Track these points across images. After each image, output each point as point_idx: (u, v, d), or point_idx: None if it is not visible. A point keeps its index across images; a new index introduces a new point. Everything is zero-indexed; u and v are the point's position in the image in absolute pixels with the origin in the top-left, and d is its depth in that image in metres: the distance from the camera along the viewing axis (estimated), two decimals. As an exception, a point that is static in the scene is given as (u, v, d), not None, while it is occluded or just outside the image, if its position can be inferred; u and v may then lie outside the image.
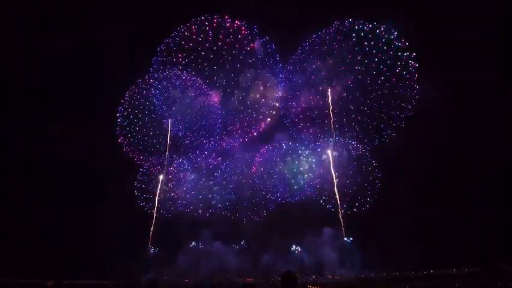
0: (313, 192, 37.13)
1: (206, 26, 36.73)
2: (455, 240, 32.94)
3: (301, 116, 37.94)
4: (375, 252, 32.65)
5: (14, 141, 38.89)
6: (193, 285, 33.73)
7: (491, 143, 33.47)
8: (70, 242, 36.40)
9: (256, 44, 37.03)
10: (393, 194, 35.33)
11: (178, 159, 39.65)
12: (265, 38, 37.43)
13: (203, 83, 37.17)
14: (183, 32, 36.78)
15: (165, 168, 38.87)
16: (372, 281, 33.80)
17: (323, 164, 37.35)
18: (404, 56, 33.76)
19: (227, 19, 36.83)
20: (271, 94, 38.37)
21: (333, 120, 36.65)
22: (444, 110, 32.90)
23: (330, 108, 36.68)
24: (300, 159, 37.80)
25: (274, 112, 38.76)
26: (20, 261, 33.80)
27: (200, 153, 39.68)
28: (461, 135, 34.49)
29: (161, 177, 38.63)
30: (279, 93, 38.48)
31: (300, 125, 38.13)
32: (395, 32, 34.07)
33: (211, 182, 38.78)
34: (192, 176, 39.22)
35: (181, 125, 38.20)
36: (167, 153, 38.58)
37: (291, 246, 38.66)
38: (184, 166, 39.65)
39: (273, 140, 39.26)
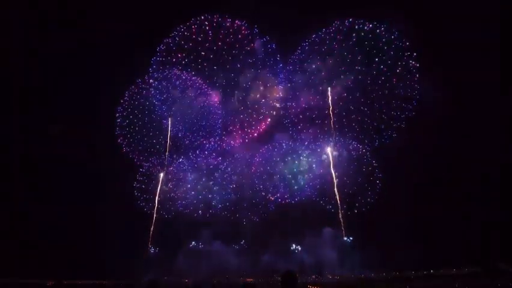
0: (313, 193, 37.16)
1: (206, 25, 36.73)
2: (455, 240, 32.93)
3: (301, 116, 37.96)
4: (375, 252, 32.66)
5: (14, 141, 38.90)
6: (193, 285, 33.70)
7: (491, 143, 33.47)
8: (70, 242, 36.40)
9: (257, 44, 37.07)
10: (393, 194, 35.33)
11: (178, 159, 39.66)
12: (266, 38, 37.49)
13: (203, 83, 37.18)
14: (183, 32, 36.79)
15: (165, 168, 38.90)
16: (372, 281, 33.81)
17: (322, 164, 37.36)
18: (405, 56, 33.77)
19: (227, 19, 36.84)
20: (271, 94, 38.39)
21: (333, 120, 36.67)
22: (444, 110, 32.89)
23: (330, 109, 36.69)
24: (300, 159, 37.79)
25: (274, 112, 38.78)
26: (20, 261, 33.79)
27: (200, 153, 39.68)
28: (461, 135, 34.49)
29: (161, 177, 38.65)
30: (280, 93, 38.48)
31: (300, 125, 38.16)
32: (395, 32, 34.09)
33: (211, 182, 38.76)
34: (192, 176, 39.20)
35: (181, 125, 38.22)
36: (167, 154, 38.62)
37: (291, 246, 38.67)
38: (184, 166, 39.65)
39: (273, 140, 39.29)
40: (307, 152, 38.12)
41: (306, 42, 36.98)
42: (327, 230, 36.94)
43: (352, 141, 36.78)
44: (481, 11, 33.08)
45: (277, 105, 38.62)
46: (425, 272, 33.25)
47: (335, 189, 36.04)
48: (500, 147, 32.92)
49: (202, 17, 36.78)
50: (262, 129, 39.48)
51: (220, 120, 38.48)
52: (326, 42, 35.79)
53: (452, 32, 34.48)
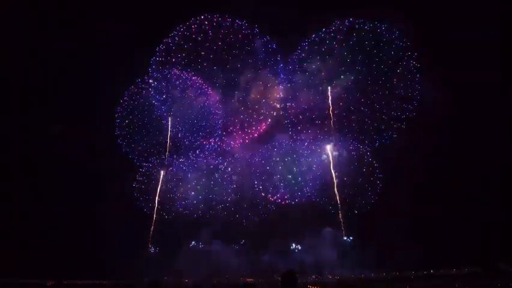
0: (313, 193, 37.13)
1: (206, 25, 36.72)
2: (455, 240, 32.93)
3: (301, 116, 37.93)
4: (375, 252, 32.66)
5: (14, 141, 38.91)
6: (193, 285, 33.72)
7: (491, 143, 33.47)
8: (70, 242, 36.40)
9: (257, 44, 37.06)
10: (393, 194, 35.33)
11: (178, 159, 39.65)
12: (266, 38, 37.47)
13: (203, 83, 37.16)
14: (183, 32, 36.77)
15: (165, 168, 38.89)
16: (372, 281, 33.81)
17: (322, 164, 37.34)
18: (405, 56, 33.75)
19: (227, 19, 36.82)
20: (271, 94, 38.38)
21: (333, 120, 36.66)
22: (444, 110, 32.89)
23: (330, 109, 36.67)
24: (300, 160, 37.78)
25: (274, 113, 38.75)
26: (20, 261, 33.79)
27: (200, 153, 39.67)
28: (461, 135, 34.49)
29: (161, 177, 38.65)
30: (280, 93, 38.47)
31: (300, 125, 38.12)
32: (396, 31, 34.08)
33: (211, 182, 38.77)
34: (192, 176, 39.20)
35: (180, 126, 38.20)
36: (167, 154, 38.61)
37: (291, 246, 38.68)
38: (184, 166, 39.65)
39: (273, 140, 39.27)
40: (307, 152, 38.11)
41: (306, 42, 36.97)
42: (327, 230, 36.95)
43: (352, 142, 36.78)
44: (481, 11, 33.09)
45: (278, 105, 38.62)
46: (425, 272, 33.24)
47: (335, 189, 36.07)
48: (500, 147, 32.92)
49: (202, 17, 36.77)
50: (262, 129, 39.49)
51: (220, 121, 38.46)
52: (326, 42, 35.77)
53: (452, 32, 34.49)
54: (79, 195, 37.98)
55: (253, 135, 39.43)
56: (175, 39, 36.77)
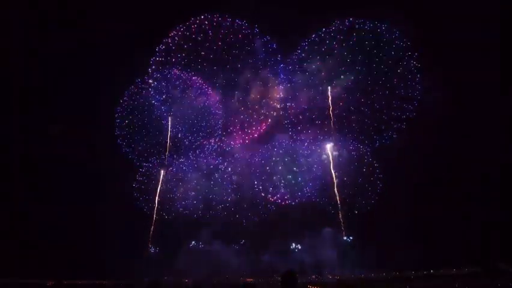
0: (313, 193, 37.13)
1: (206, 25, 36.71)
2: (455, 240, 32.94)
3: (301, 116, 37.92)
4: (375, 252, 32.66)
5: (14, 141, 38.90)
6: (193, 285, 33.74)
7: (491, 143, 33.48)
8: (70, 242, 36.40)
9: (257, 44, 37.04)
10: (393, 194, 35.34)
11: (178, 159, 39.65)
12: (266, 38, 37.45)
13: (203, 83, 37.15)
14: (183, 32, 36.75)
15: (165, 168, 38.88)
16: (372, 281, 33.82)
17: (322, 164, 37.33)
18: (406, 56, 33.73)
19: (227, 19, 36.81)
20: (272, 94, 38.38)
21: (333, 120, 36.64)
22: (444, 110, 32.90)
23: (330, 109, 36.66)
24: (300, 160, 37.78)
25: (274, 113, 38.75)
26: (20, 261, 33.79)
27: (200, 153, 39.66)
28: (461, 135, 34.49)
29: (161, 177, 38.65)
30: (281, 93, 38.46)
31: (300, 125, 38.12)
32: (396, 31, 34.05)
33: (211, 182, 38.77)
34: (192, 176, 39.20)
35: (180, 126, 38.18)
36: (167, 154, 38.60)
37: (291, 245, 38.70)
38: (184, 166, 39.65)
39: (273, 140, 39.27)
40: (307, 152, 38.11)
41: (306, 42, 36.95)
42: (327, 230, 36.95)
43: (352, 142, 36.77)
44: (480, 11, 33.09)
45: (277, 105, 38.61)
46: (425, 272, 33.24)
47: (335, 189, 36.07)
48: (500, 147, 32.92)
49: (202, 17, 36.75)
50: (262, 129, 39.48)
51: (220, 121, 38.45)
52: (326, 42, 35.75)
53: (452, 32, 34.48)
54: (79, 195, 37.99)
55: (253, 135, 39.45)
56: (175, 39, 36.76)
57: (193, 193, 38.65)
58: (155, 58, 37.02)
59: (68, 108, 40.77)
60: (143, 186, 38.70)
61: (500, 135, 33.30)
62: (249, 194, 38.13)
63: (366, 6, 35.34)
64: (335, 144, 37.05)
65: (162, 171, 38.79)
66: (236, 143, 39.77)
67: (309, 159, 37.76)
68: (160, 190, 38.20)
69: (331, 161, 36.88)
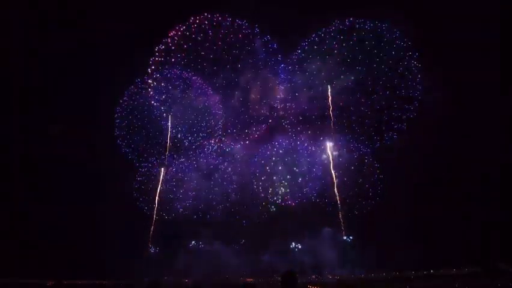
0: (313, 193, 37.12)
1: (206, 25, 36.68)
2: (455, 240, 32.93)
3: (301, 116, 37.90)
4: (375, 252, 32.66)
5: (14, 141, 38.90)
6: (193, 285, 33.73)
7: (491, 143, 33.47)
8: (70, 242, 36.40)
9: (257, 44, 37.03)
10: (393, 194, 35.33)
11: (178, 159, 39.63)
12: (267, 38, 37.42)
13: (203, 83, 37.13)
14: (183, 32, 36.72)
15: (165, 168, 38.87)
16: (372, 281, 33.81)
17: (322, 164, 37.33)
18: (406, 56, 33.70)
19: (227, 18, 36.77)
20: (272, 95, 38.37)
21: (333, 120, 36.63)
22: (444, 110, 32.90)
23: (330, 109, 36.64)
24: (300, 159, 37.77)
25: (274, 113, 38.77)
26: (20, 261, 33.79)
27: (200, 153, 39.65)
28: (461, 135, 34.50)
29: (161, 177, 38.64)
30: (281, 93, 38.44)
31: (300, 125, 38.11)
32: (397, 31, 34.02)
33: (211, 182, 38.77)
34: (192, 176, 39.20)
35: (180, 126, 38.17)
36: (167, 154, 38.58)
37: (291, 245, 38.71)
38: (184, 166, 39.64)
39: (273, 140, 39.27)
40: (307, 152, 38.11)
41: (305, 42, 36.94)
42: (327, 230, 36.95)
43: (352, 142, 36.75)
44: (480, 11, 33.09)
45: (278, 105, 38.61)
46: (425, 272, 33.24)
47: (335, 189, 36.06)
48: (500, 147, 32.92)
49: (202, 16, 36.71)
50: (262, 129, 39.48)
51: (220, 121, 38.45)
52: (325, 42, 35.72)
53: (452, 32, 34.48)
54: (79, 195, 37.98)
55: (253, 135, 39.44)
56: (175, 39, 36.73)
57: (193, 193, 38.67)
58: (155, 58, 37.02)
59: (68, 108, 40.79)
60: (143, 187, 38.71)
61: (500, 135, 33.30)
62: (249, 194, 38.14)
63: (366, 6, 35.34)
64: (335, 144, 37.05)
65: (162, 171, 38.79)
66: (236, 143, 39.81)
67: (309, 159, 37.77)
68: (160, 190, 38.21)
69: (331, 161, 36.89)
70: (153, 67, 36.92)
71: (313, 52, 36.23)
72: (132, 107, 38.22)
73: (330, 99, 36.69)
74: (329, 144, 37.22)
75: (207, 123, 37.83)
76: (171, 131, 38.25)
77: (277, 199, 37.83)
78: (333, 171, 36.46)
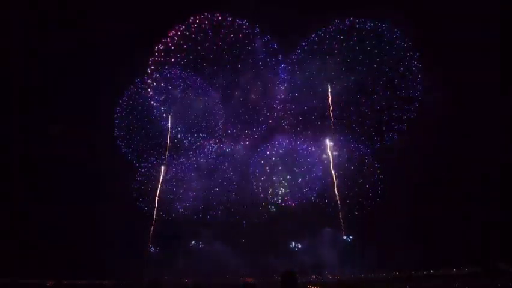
0: (313, 193, 37.11)
1: (206, 25, 36.66)
2: (455, 240, 32.94)
3: (300, 117, 37.87)
4: (375, 252, 32.66)
5: (14, 141, 38.89)
6: (193, 285, 33.72)
7: (491, 143, 33.47)
8: (70, 242, 36.41)
9: (257, 44, 37.00)
10: (393, 194, 35.32)
11: (178, 159, 39.62)
12: (267, 38, 37.39)
13: (203, 83, 37.12)
14: (182, 31, 36.70)
15: (165, 168, 38.87)
16: (372, 281, 33.83)
17: (323, 164, 37.32)
18: (407, 56, 33.68)
19: (227, 18, 36.75)
20: (272, 95, 38.33)
21: (333, 121, 36.61)
22: (444, 110, 32.90)
23: (330, 109, 36.62)
24: (300, 159, 37.76)
25: (274, 113, 38.72)
26: (20, 261, 33.79)
27: (200, 153, 39.64)
28: (461, 135, 34.49)
29: (161, 177, 38.64)
30: (281, 94, 38.41)
31: (300, 125, 38.08)
32: (397, 31, 33.99)
33: (211, 182, 38.75)
34: (192, 176, 39.19)
35: (180, 126, 38.16)
36: (167, 154, 38.57)
37: (291, 244, 38.71)
38: (184, 166, 39.63)
39: (273, 140, 39.23)
40: (307, 152, 38.09)
41: (305, 42, 36.89)
42: (327, 230, 36.97)
43: (352, 142, 36.74)
44: (480, 11, 33.08)
45: (278, 105, 38.58)
46: (425, 272, 33.25)
47: (335, 189, 36.05)
48: (500, 147, 32.92)
49: (202, 16, 36.68)
50: (262, 129, 39.47)
51: (220, 121, 38.43)
52: (325, 42, 35.70)
53: (452, 32, 34.47)
54: (79, 195, 37.98)
55: (253, 135, 39.42)
56: (175, 39, 36.70)
57: (193, 193, 38.66)
58: (155, 58, 36.99)
59: (68, 108, 40.77)
60: (143, 187, 38.67)
61: (500, 135, 33.29)
62: (249, 194, 38.14)
63: (366, 6, 35.32)
64: (335, 144, 37.04)
65: (162, 172, 38.78)
66: (236, 143, 39.78)
67: (309, 159, 37.74)
68: (160, 190, 38.19)
69: (331, 161, 36.88)
70: (153, 67, 36.88)
71: (313, 52, 36.21)
72: (132, 107, 38.18)
73: (330, 99, 36.67)
74: (329, 144, 37.22)
75: (207, 123, 37.78)
76: (171, 131, 38.21)
77: (277, 199, 37.79)
78: (333, 171, 36.46)
